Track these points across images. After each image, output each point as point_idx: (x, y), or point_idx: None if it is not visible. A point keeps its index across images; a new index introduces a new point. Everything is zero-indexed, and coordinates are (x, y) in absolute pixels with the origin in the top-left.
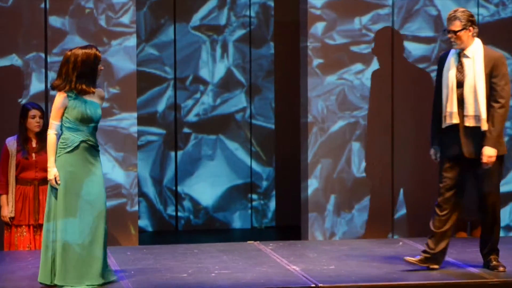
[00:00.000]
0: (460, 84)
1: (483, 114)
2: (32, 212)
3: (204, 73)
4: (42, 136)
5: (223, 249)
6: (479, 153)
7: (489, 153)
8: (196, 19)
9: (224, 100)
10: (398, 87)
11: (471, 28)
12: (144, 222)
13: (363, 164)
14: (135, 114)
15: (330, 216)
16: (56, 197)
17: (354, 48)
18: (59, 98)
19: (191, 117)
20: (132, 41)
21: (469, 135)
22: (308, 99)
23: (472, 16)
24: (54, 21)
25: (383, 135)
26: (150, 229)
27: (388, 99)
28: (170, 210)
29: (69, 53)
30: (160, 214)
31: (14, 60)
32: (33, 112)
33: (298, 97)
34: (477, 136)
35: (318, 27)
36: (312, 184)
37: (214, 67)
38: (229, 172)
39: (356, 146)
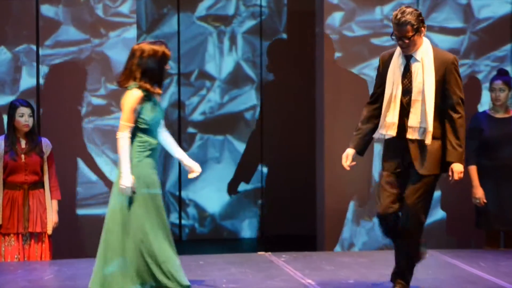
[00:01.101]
0: (406, 91)
1: (430, 127)
2: (21, 220)
3: (210, 67)
4: (31, 136)
5: (231, 260)
6: (430, 168)
7: (459, 169)
8: (202, 9)
9: (233, 97)
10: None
11: (422, 28)
12: None
13: None
14: None
15: (349, 225)
16: (136, 207)
17: (375, 41)
18: (133, 98)
19: (196, 116)
20: (132, 32)
21: (417, 148)
22: (325, 96)
23: (420, 14)
24: (47, 10)
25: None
26: None
27: None
28: (173, 218)
29: (136, 47)
30: None
31: (2, 53)
32: (22, 110)
33: (313, 94)
34: (424, 150)
35: (335, 17)
36: (329, 190)
37: (221, 61)
38: (237, 176)
39: (377, 148)
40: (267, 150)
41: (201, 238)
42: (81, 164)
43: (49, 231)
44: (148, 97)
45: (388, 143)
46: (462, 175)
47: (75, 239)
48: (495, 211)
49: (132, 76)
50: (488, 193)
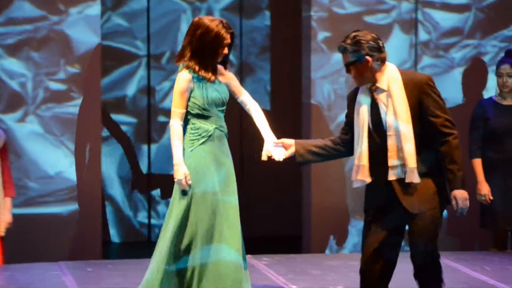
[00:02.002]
0: (376, 127)
1: (412, 162)
2: None
3: None
4: None
5: None
6: (422, 205)
7: (462, 195)
8: None
9: None
10: (424, 66)
11: (368, 57)
12: (109, 231)
13: None
14: (99, 99)
15: (338, 225)
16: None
17: (369, 19)
18: (182, 81)
19: (168, 103)
20: (95, 9)
21: (404, 188)
22: (312, 81)
23: (368, 40)
24: None
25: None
26: (116, 239)
27: None
28: (142, 217)
29: (194, 20)
30: (129, 221)
31: None
32: None
33: (299, 79)
34: (412, 189)
35: None
36: (316, 186)
37: None
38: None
39: None
40: (248, 141)
41: None
42: (37, 157)
43: (2, 232)
44: (199, 78)
45: (369, 187)
46: (468, 202)
47: (30, 241)
48: (502, 209)
49: (184, 54)
50: (494, 189)
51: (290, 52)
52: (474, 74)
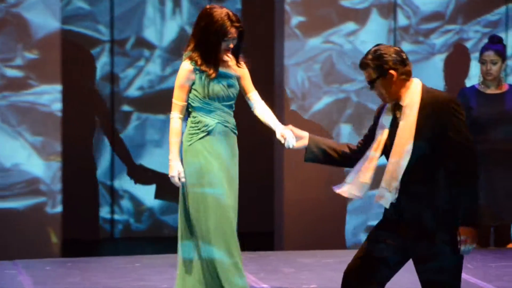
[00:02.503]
0: (391, 148)
1: (388, 183)
2: None
3: (149, 34)
4: None
5: (173, 262)
6: (431, 235)
7: (469, 233)
8: None
9: (176, 70)
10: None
11: (391, 72)
12: (69, 228)
13: None
14: (59, 87)
15: (312, 220)
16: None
17: (346, 3)
18: (182, 72)
19: (133, 91)
20: None
21: (416, 215)
22: (285, 68)
23: (391, 53)
24: None
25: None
26: (77, 236)
27: None
28: (104, 212)
29: (204, 8)
30: (91, 217)
31: None
32: None
33: (271, 66)
34: (424, 216)
35: None
36: (290, 179)
37: (162, 27)
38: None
39: (346, 129)
40: None
41: (137, 236)
42: None
43: None
44: (200, 69)
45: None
46: (474, 242)
47: None
48: (485, 203)
49: (189, 44)
50: None
51: (262, 37)
52: (456, 61)
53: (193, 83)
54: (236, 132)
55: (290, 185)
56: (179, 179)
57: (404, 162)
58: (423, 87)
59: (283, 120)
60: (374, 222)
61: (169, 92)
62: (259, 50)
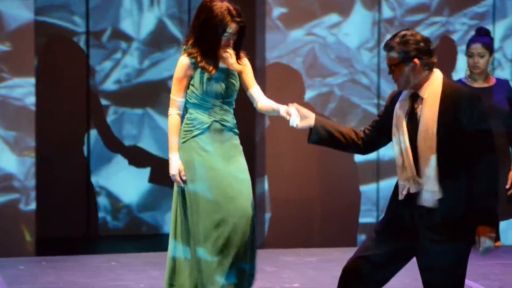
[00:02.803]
0: (412, 140)
1: (429, 184)
2: None
3: (126, 25)
4: None
5: (152, 261)
6: (443, 237)
7: (488, 233)
8: None
9: (154, 62)
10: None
11: (415, 60)
12: (44, 225)
13: None
14: (32, 80)
15: (293, 218)
16: (185, 196)
17: None
18: (179, 67)
19: (109, 85)
20: None
21: (427, 215)
22: (266, 61)
23: (418, 41)
24: None
25: (367, 111)
26: (52, 234)
27: (373, 60)
28: (80, 210)
29: (203, 1)
30: (66, 214)
31: None
32: None
33: (252, 59)
34: (439, 213)
35: None
36: (270, 175)
37: (140, 18)
38: (159, 159)
39: None
40: None
41: (114, 234)
42: None
43: None
44: (198, 64)
45: (395, 200)
46: (493, 242)
47: None
48: None
49: (189, 38)
50: None
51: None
52: (442, 54)
53: (191, 79)
54: (237, 131)
55: (272, 182)
56: (180, 177)
57: (433, 158)
58: (443, 79)
59: (263, 115)
60: (362, 220)
61: (147, 86)
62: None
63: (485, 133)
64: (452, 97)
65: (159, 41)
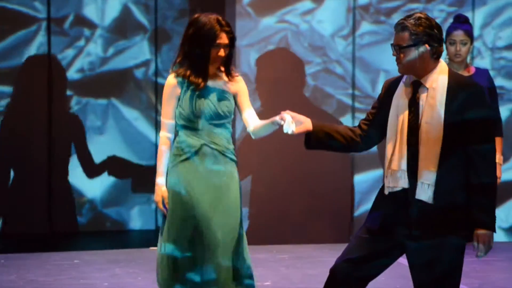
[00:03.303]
0: (412, 131)
1: (427, 178)
2: None
3: (90, 11)
4: None
5: (116, 258)
6: (437, 236)
7: (486, 238)
8: None
9: (119, 51)
10: (363, 33)
11: (426, 46)
12: (3, 222)
13: None
14: None
15: (267, 214)
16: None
17: None
18: (166, 87)
19: (72, 74)
20: None
21: (423, 208)
22: (237, 49)
23: (432, 27)
24: None
25: (341, 102)
26: (12, 231)
27: (348, 49)
28: (41, 205)
29: (192, 17)
30: (27, 210)
31: None
32: None
33: None
34: (433, 211)
35: None
36: (244, 170)
37: (104, 4)
38: (125, 151)
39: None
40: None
41: (77, 230)
42: None
43: None
44: (187, 83)
45: (384, 196)
46: (490, 246)
47: None
48: None
49: (177, 56)
50: None
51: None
52: None
53: (179, 99)
54: (233, 156)
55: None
56: (163, 204)
57: (435, 150)
58: (449, 71)
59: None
60: (337, 217)
61: (111, 75)
62: None
63: (486, 123)
64: (460, 90)
65: (124, 28)
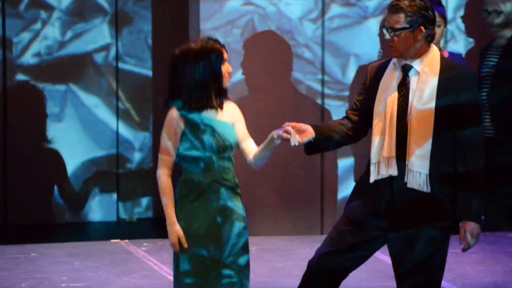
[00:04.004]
0: (400, 116)
1: (419, 166)
2: None
3: None
4: None
5: (76, 251)
6: (419, 227)
7: (473, 230)
8: None
9: (78, 34)
10: (333, 16)
11: (422, 28)
12: None
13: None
14: None
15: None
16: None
17: None
18: (168, 118)
19: (28, 58)
20: None
21: (405, 198)
22: (201, 33)
23: (427, 8)
24: None
25: (311, 88)
26: None
27: (317, 33)
28: None
29: (177, 50)
30: None
31: None
32: None
33: (185, 30)
34: (416, 201)
35: None
36: None
37: None
38: (85, 140)
39: None
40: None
41: (33, 222)
42: None
43: None
44: (191, 115)
45: (367, 184)
46: (477, 240)
47: None
48: None
49: (172, 93)
50: None
51: None
52: None
53: (183, 133)
54: (238, 191)
55: None
56: (180, 245)
57: (426, 136)
58: (441, 55)
59: None
60: (306, 208)
61: (70, 59)
62: (171, 13)
63: (476, 107)
64: (451, 74)
65: (82, 10)
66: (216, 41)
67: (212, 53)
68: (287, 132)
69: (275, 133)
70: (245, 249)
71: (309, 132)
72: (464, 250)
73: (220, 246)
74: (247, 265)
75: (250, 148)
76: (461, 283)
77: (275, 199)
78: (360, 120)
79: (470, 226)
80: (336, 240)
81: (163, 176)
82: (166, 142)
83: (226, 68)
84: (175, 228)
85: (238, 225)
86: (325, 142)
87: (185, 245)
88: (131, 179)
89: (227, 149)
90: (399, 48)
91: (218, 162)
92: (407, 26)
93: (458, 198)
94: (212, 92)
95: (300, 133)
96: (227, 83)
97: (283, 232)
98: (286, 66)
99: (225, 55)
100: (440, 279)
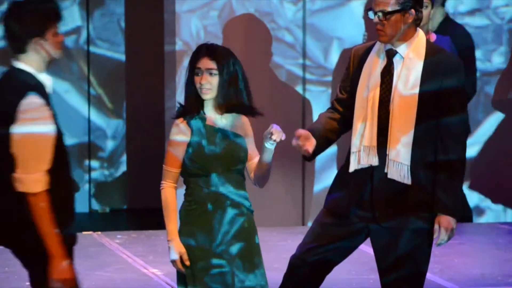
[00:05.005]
0: (383, 103)
1: (401, 157)
2: None
3: None
4: None
5: None
6: (402, 218)
7: (448, 224)
8: None
9: None
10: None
11: (412, 10)
12: None
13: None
14: None
15: None
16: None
17: None
18: (173, 129)
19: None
20: None
21: (387, 188)
22: (176, 15)
23: None
24: None
25: (291, 73)
26: None
27: (298, 15)
28: None
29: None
30: None
31: None
32: None
33: (160, 12)
34: (398, 191)
35: None
36: None
37: None
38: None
39: None
40: None
41: None
42: None
43: None
44: (199, 125)
45: (348, 174)
46: (453, 234)
47: None
48: None
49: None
50: None
51: None
52: None
53: (189, 144)
54: (250, 207)
55: None
56: (182, 263)
57: (409, 124)
58: (427, 40)
59: (173, 78)
60: (288, 198)
61: None
62: None
63: (462, 93)
64: (436, 59)
65: None
66: (201, 50)
67: (192, 59)
68: (275, 133)
69: (271, 137)
70: (237, 237)
71: (312, 140)
72: (438, 245)
73: (210, 235)
74: (238, 254)
75: (255, 165)
76: (448, 275)
77: (255, 190)
78: (347, 110)
79: (445, 220)
80: (320, 235)
81: (167, 188)
82: (171, 152)
83: (198, 78)
84: (177, 245)
85: (230, 212)
86: (324, 145)
87: (187, 263)
88: (104, 168)
89: (235, 161)
90: (388, 32)
91: (226, 174)
92: (398, 8)
93: (435, 188)
94: (192, 103)
95: (305, 140)
96: (203, 94)
97: (263, 224)
98: (266, 50)
99: (199, 64)
100: (425, 271)
